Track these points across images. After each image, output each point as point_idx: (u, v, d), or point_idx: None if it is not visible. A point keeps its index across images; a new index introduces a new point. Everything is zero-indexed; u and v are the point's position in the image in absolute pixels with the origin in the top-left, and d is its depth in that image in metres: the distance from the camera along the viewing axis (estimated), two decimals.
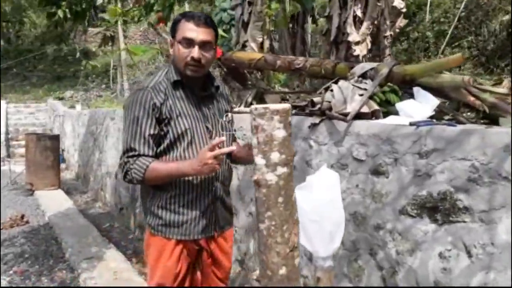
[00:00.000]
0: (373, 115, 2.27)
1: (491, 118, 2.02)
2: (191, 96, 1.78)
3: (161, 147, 1.75)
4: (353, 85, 2.42)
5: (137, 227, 4.72)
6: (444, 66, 2.17)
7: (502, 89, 2.05)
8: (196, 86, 1.81)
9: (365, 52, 3.95)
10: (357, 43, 3.91)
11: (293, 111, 2.80)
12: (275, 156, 1.10)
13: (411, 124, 2.01)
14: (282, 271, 1.13)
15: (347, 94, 2.36)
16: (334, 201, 1.50)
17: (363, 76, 2.50)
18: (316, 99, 2.61)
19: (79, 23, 4.99)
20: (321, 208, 1.49)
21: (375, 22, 3.93)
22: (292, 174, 1.14)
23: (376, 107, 2.28)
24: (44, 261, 3.93)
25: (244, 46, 4.36)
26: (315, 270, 1.57)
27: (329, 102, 2.40)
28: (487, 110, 1.93)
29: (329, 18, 3.88)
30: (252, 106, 1.11)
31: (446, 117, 2.06)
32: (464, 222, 1.68)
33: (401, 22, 3.75)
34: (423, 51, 5.88)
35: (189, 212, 1.78)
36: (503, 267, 1.53)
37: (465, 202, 1.69)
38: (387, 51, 4.12)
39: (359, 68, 2.56)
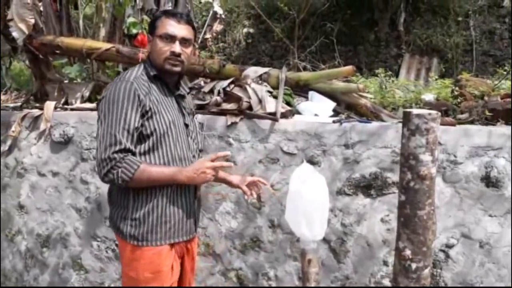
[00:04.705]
0: (284, 115, 2.60)
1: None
2: (167, 92, 1.74)
3: (148, 144, 1.64)
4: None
5: None
6: (336, 75, 2.74)
7: (370, 95, 2.81)
8: (171, 84, 1.78)
9: None
10: None
11: None
12: (436, 153, 1.35)
13: (334, 121, 2.48)
14: (433, 245, 1.40)
15: (262, 96, 2.58)
16: (325, 189, 1.79)
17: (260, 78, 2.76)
18: (218, 98, 2.68)
19: None
20: (322, 197, 1.77)
21: None
22: None
23: (288, 107, 2.62)
24: None
25: (6, 26, 3.61)
26: (304, 254, 1.83)
27: (248, 102, 2.56)
28: (372, 110, 2.64)
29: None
30: (419, 111, 1.32)
31: (342, 116, 2.64)
32: (395, 193, 2.32)
33: (217, 26, 4.10)
34: None
35: (175, 213, 1.70)
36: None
37: (393, 178, 2.32)
38: (197, 52, 4.41)
39: (251, 71, 2.79)
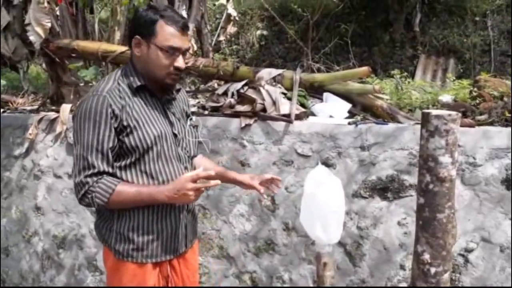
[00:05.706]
0: (298, 116, 2.57)
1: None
2: (153, 101, 1.59)
3: (130, 160, 1.53)
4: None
5: None
6: (352, 76, 2.71)
7: (386, 96, 2.78)
8: (158, 89, 1.62)
9: (191, 52, 4.11)
10: None
11: (205, 112, 2.74)
12: (456, 154, 1.32)
13: (349, 123, 2.45)
14: (452, 249, 1.36)
15: (276, 97, 2.57)
16: (341, 191, 1.76)
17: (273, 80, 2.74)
18: (231, 100, 2.68)
19: None
20: (337, 199, 1.73)
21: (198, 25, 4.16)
22: None
23: (302, 109, 2.60)
24: None
25: (24, 30, 3.65)
26: (319, 257, 1.80)
27: (262, 104, 2.54)
28: (388, 111, 2.60)
29: None
30: (438, 112, 1.29)
31: (358, 117, 2.61)
32: (412, 195, 2.27)
33: (231, 29, 4.10)
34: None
35: (163, 230, 1.60)
36: None
37: (410, 181, 2.28)
38: (210, 54, 4.41)
39: (265, 73, 2.78)
